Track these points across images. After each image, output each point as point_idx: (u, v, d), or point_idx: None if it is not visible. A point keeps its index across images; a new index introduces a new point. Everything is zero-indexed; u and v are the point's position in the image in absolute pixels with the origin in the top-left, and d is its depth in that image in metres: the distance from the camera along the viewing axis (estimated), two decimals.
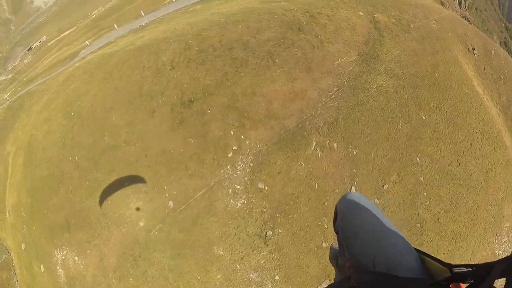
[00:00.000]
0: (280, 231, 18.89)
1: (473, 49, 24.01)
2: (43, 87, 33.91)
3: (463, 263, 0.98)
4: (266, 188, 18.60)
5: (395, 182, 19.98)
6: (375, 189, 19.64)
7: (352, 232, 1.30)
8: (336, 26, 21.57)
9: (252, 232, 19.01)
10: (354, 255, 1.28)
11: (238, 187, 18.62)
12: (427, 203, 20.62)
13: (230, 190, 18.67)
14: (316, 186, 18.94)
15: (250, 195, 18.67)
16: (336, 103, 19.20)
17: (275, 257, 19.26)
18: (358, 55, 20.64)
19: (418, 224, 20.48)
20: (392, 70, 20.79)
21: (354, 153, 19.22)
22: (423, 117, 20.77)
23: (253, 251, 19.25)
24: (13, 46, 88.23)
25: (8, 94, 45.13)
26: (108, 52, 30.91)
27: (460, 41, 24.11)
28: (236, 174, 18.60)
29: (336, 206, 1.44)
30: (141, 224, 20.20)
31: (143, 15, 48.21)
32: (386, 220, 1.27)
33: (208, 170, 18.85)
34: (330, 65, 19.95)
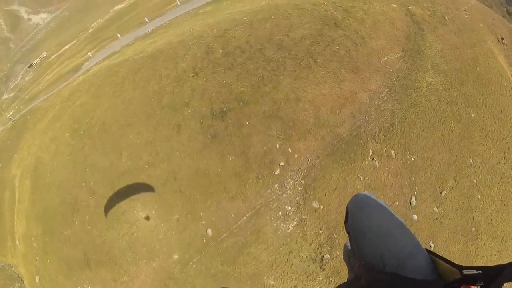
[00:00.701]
0: (338, 253, 14.40)
1: (502, 38, 20.37)
2: (46, 104, 27.78)
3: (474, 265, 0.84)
4: (322, 207, 13.97)
5: (452, 187, 15.89)
6: (434, 197, 15.45)
7: (361, 232, 1.12)
8: (374, 20, 17.03)
9: (307, 257, 14.42)
10: (364, 255, 1.10)
11: (289, 208, 13.84)
12: (481, 205, 16.75)
13: (280, 212, 13.86)
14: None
15: (304, 216, 13.98)
16: (389, 105, 14.77)
17: (333, 281, 14.82)
18: (402, 51, 16.25)
19: (473, 229, 16.63)
20: (438, 66, 16.57)
21: (412, 159, 14.91)
22: (472, 115, 16.75)
23: (307, 277, 14.70)
24: (14, 64, 78.98)
25: (11, 113, 38.09)
26: (115, 62, 25.08)
27: (490, 31, 20.31)
28: (285, 193, 13.80)
29: (347, 206, 1.26)
30: (175, 256, 15.16)
31: (147, 21, 41.93)
32: (396, 220, 1.08)
33: (252, 192, 13.99)
34: (376, 63, 15.45)
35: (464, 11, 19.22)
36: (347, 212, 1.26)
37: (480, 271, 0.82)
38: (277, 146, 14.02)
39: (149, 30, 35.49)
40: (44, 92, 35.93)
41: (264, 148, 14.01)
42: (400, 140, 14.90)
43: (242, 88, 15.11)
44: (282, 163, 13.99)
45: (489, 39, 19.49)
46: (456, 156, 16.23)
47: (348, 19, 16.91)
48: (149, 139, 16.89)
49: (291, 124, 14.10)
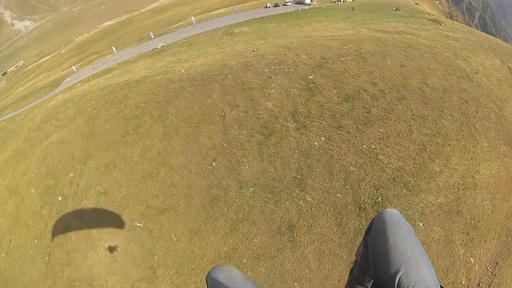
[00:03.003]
0: None
1: None
2: (11, 125, 16.60)
3: None
4: None
5: None
6: None
7: (383, 249, 1.03)
8: (496, 79, 14.72)
9: None
10: (379, 274, 1.02)
11: None
12: None
13: None
14: None
15: None
16: None
17: None
18: None
19: None
20: None
21: None
22: None
23: None
24: None
25: None
26: (119, 81, 15.69)
27: None
28: None
29: (372, 219, 1.19)
30: None
31: (152, 37, 31.63)
32: (419, 247, 1.02)
33: None
34: None
35: None
36: (371, 225, 1.18)
37: None
38: (460, 255, 9.82)
39: (158, 47, 25.85)
40: (11, 107, 22.34)
41: (446, 262, 9.57)
42: None
43: (399, 163, 10.22)
44: (463, 281, 9.86)
45: None
46: None
47: (476, 73, 14.20)
48: (218, 250, 9.82)
49: (472, 222, 10.13)
